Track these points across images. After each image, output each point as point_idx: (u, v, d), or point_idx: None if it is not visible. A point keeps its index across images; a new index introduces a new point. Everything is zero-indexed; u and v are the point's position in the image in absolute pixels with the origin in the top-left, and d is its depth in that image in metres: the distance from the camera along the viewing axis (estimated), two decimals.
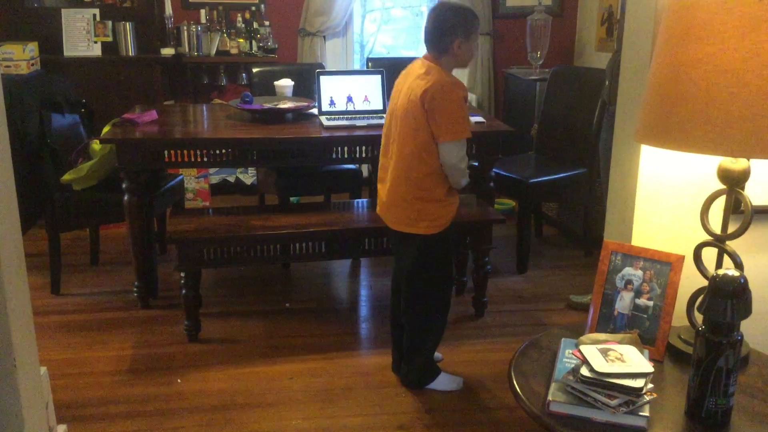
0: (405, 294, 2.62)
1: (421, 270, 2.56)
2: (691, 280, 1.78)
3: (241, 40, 4.89)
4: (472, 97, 5.15)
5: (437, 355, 2.83)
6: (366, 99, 3.47)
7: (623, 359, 1.55)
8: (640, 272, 1.80)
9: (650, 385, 1.52)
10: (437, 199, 2.48)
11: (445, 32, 2.39)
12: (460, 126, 2.39)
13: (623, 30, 2.23)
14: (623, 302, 1.81)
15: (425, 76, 2.39)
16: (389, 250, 3.11)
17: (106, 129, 3.23)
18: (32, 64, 4.30)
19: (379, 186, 2.63)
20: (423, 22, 2.49)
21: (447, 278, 2.67)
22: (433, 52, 2.44)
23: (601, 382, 1.49)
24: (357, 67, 5.41)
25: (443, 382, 2.70)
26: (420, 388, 2.70)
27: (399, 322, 2.71)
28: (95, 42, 4.67)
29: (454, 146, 2.40)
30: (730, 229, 1.69)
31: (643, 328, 1.78)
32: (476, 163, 3.29)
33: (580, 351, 1.58)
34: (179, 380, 2.75)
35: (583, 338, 1.70)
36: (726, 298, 1.41)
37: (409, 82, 2.45)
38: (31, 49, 4.30)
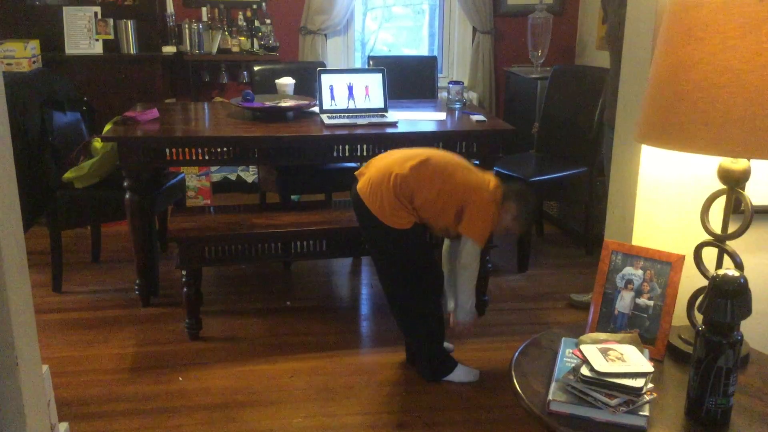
0: (385, 291, 2.69)
1: (389, 264, 2.62)
2: (691, 280, 1.78)
3: (243, 39, 4.89)
4: (473, 95, 5.15)
5: (448, 345, 2.84)
6: (367, 97, 3.47)
7: (623, 359, 1.55)
8: (640, 272, 1.80)
9: (650, 385, 1.52)
10: (398, 216, 2.51)
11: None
12: (484, 235, 2.55)
13: (612, 36, 2.20)
14: (623, 302, 1.82)
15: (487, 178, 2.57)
16: None
17: (107, 127, 3.24)
18: (34, 62, 4.30)
19: (363, 169, 2.63)
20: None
21: (424, 266, 2.64)
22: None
23: (601, 382, 1.49)
24: (358, 65, 5.41)
25: (460, 374, 2.73)
26: (437, 380, 2.73)
27: None
28: (97, 40, 4.67)
29: (477, 246, 2.54)
30: (731, 229, 1.70)
31: (643, 328, 1.78)
32: (477, 162, 3.29)
33: (580, 350, 1.58)
34: (180, 378, 2.76)
35: (583, 338, 1.70)
36: (726, 298, 1.41)
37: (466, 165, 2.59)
38: (33, 46, 4.31)
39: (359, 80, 3.49)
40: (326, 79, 3.45)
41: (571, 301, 3.45)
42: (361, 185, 2.54)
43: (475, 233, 2.52)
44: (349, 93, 3.46)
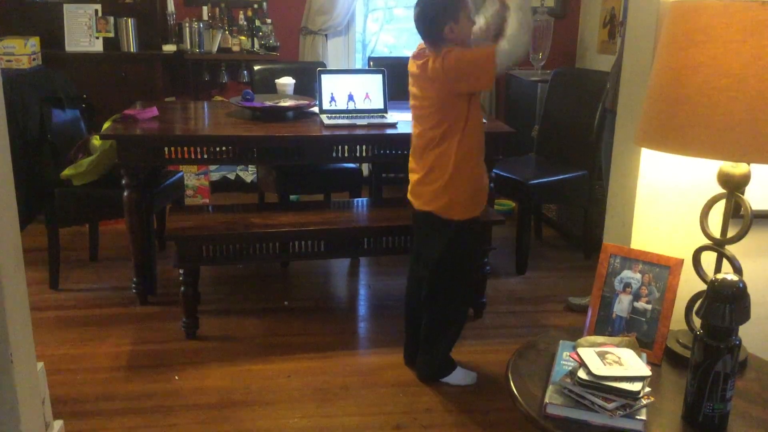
0: (429, 285, 2.63)
1: (448, 261, 2.58)
2: (689, 284, 1.77)
3: (243, 38, 4.89)
4: None
5: None
6: (367, 98, 3.47)
7: (621, 362, 1.54)
8: (638, 275, 1.80)
9: (647, 389, 1.52)
10: (464, 177, 2.48)
11: (432, 25, 2.41)
12: (478, 54, 2.41)
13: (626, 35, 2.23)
14: (622, 305, 1.81)
15: (423, 54, 2.48)
16: (389, 250, 3.12)
17: (106, 125, 3.23)
18: (33, 59, 4.30)
19: (410, 175, 2.65)
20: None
21: (471, 272, 2.70)
22: (431, 45, 2.46)
23: (598, 385, 1.49)
24: (359, 66, 5.41)
25: (458, 377, 2.72)
26: (435, 380, 2.72)
27: (414, 314, 2.73)
28: (97, 38, 4.66)
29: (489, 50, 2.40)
30: (730, 233, 1.69)
31: (641, 332, 1.78)
32: None
33: (577, 354, 1.57)
34: (177, 377, 2.75)
35: (581, 341, 1.70)
36: (724, 303, 1.41)
37: (416, 66, 2.52)
38: (33, 43, 4.30)
39: (359, 81, 3.48)
40: (326, 80, 3.44)
41: (569, 304, 3.44)
42: (420, 204, 2.57)
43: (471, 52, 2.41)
44: (349, 94, 3.46)
